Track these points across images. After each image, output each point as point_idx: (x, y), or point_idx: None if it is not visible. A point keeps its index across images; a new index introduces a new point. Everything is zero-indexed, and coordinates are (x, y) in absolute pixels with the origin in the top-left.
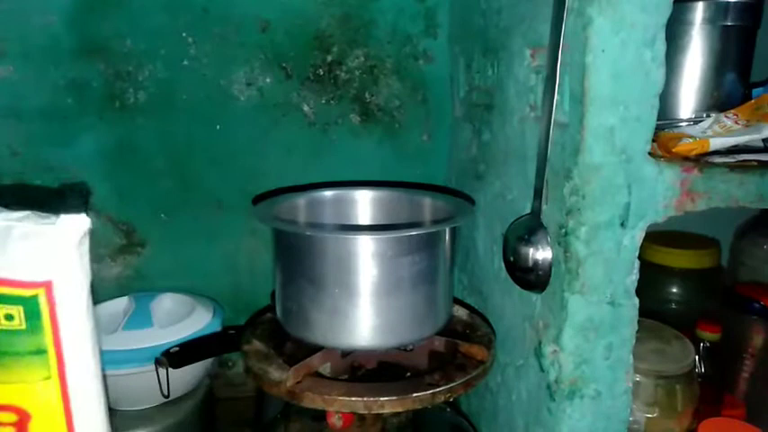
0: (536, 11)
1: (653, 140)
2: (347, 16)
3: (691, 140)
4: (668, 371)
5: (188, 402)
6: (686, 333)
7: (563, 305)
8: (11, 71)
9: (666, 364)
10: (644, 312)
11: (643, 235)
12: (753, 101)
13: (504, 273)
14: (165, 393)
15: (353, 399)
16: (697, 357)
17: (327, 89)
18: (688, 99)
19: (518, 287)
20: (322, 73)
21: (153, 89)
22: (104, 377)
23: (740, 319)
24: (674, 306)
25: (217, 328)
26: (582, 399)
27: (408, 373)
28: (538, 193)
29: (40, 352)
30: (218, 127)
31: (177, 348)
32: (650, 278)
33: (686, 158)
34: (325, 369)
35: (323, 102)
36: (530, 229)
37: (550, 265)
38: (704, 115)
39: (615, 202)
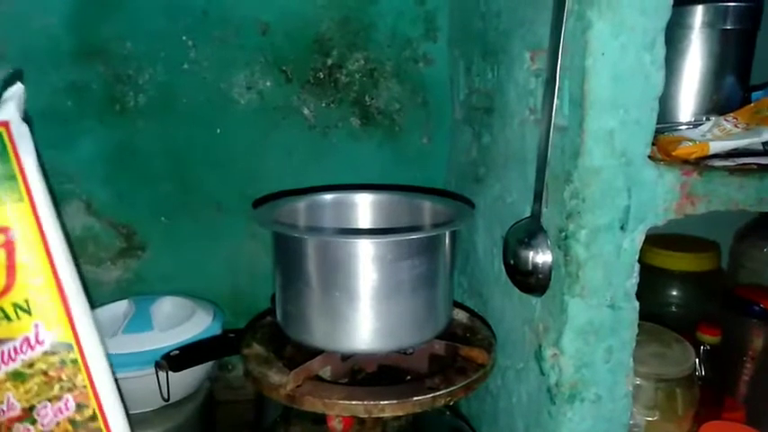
0: (536, 14)
1: (653, 144)
2: (347, 19)
3: (690, 144)
4: (668, 374)
5: (188, 406)
6: (686, 336)
7: (563, 308)
8: (10, 73)
9: (667, 367)
10: (644, 315)
11: (643, 238)
12: (752, 104)
13: (504, 276)
14: (165, 397)
15: (354, 402)
16: (697, 360)
17: (327, 92)
18: (688, 102)
19: (518, 290)
20: (322, 76)
21: (153, 92)
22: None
23: (740, 322)
24: (674, 309)
25: (217, 331)
26: (582, 402)
27: (408, 377)
28: (538, 197)
29: (11, 177)
30: (218, 130)
31: (177, 352)
32: (650, 281)
33: (686, 162)
34: (326, 373)
35: (323, 105)
36: (530, 232)
37: (550, 269)
38: (704, 118)
39: (615, 206)
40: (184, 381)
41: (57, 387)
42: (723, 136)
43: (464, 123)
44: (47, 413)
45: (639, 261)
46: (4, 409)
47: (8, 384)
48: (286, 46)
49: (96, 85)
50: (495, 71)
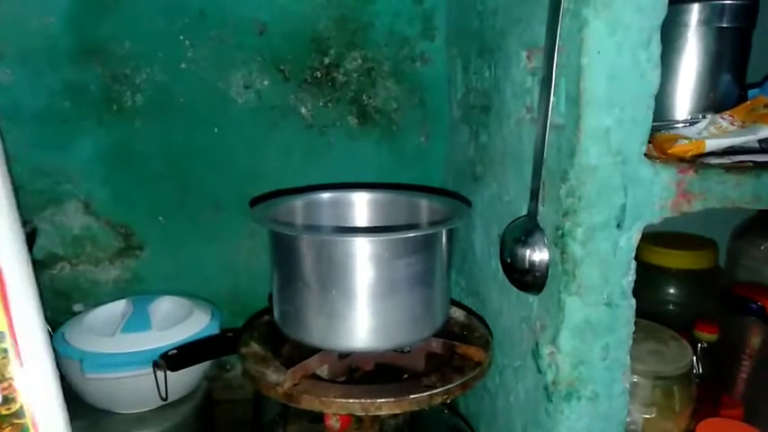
0: (532, 13)
1: (649, 142)
2: (344, 19)
3: (686, 142)
4: (666, 372)
5: (186, 405)
6: (683, 334)
7: (560, 306)
8: (8, 74)
9: (664, 364)
10: (641, 313)
11: (639, 236)
12: (748, 102)
13: (501, 274)
14: (164, 396)
15: (351, 401)
16: (694, 358)
17: (325, 91)
18: (684, 100)
19: (515, 288)
20: (319, 75)
21: (151, 92)
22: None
23: (737, 320)
24: (671, 307)
25: (215, 330)
26: (579, 400)
27: (406, 375)
28: (534, 195)
29: None
30: (215, 129)
31: (175, 351)
32: (647, 279)
33: (682, 160)
34: (323, 371)
35: (320, 104)
36: (526, 230)
37: (547, 267)
38: (700, 116)
39: (611, 204)
40: (182, 380)
41: None
42: (719, 134)
43: (461, 122)
44: None
45: (636, 259)
46: None
47: None
48: (283, 45)
49: (94, 86)
50: (492, 70)
